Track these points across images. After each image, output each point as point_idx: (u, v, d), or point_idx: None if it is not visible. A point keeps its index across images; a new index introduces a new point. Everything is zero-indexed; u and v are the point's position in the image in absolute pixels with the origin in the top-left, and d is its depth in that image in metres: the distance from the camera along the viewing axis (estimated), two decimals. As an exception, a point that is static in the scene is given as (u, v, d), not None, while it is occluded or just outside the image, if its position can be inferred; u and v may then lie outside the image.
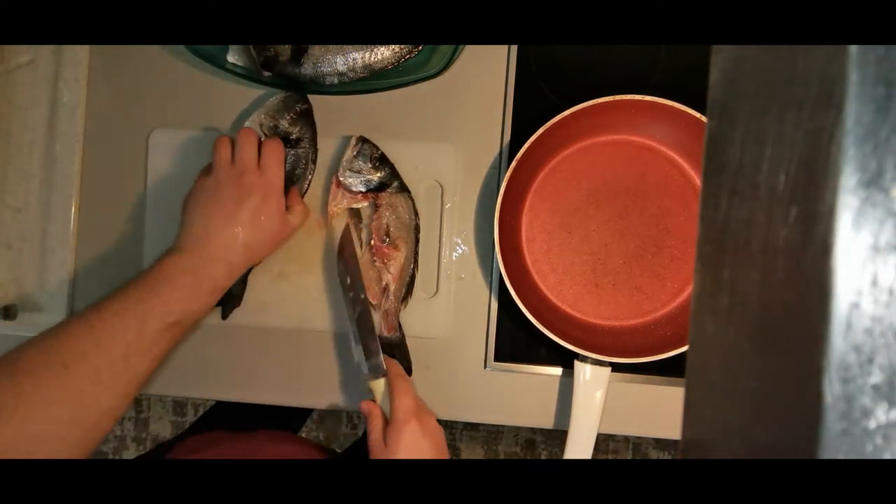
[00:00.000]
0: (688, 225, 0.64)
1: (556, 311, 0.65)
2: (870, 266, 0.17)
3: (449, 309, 0.67)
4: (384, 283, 0.65)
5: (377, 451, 0.57)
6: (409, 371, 0.66)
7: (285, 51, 0.64)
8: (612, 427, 0.65)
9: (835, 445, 0.17)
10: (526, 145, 0.59)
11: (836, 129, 0.17)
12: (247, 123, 0.64)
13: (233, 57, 0.65)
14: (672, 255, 0.65)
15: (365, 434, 0.60)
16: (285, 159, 0.63)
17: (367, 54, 0.64)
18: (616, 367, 0.61)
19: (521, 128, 0.66)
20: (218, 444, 0.69)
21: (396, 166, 0.65)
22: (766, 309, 0.20)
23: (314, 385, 0.68)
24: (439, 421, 0.60)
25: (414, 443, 0.56)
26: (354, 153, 0.64)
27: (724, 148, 0.23)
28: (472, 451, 1.54)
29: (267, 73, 0.64)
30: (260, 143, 0.61)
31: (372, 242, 0.65)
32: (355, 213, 0.66)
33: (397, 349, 0.66)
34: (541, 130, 0.59)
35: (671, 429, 0.66)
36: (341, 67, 0.64)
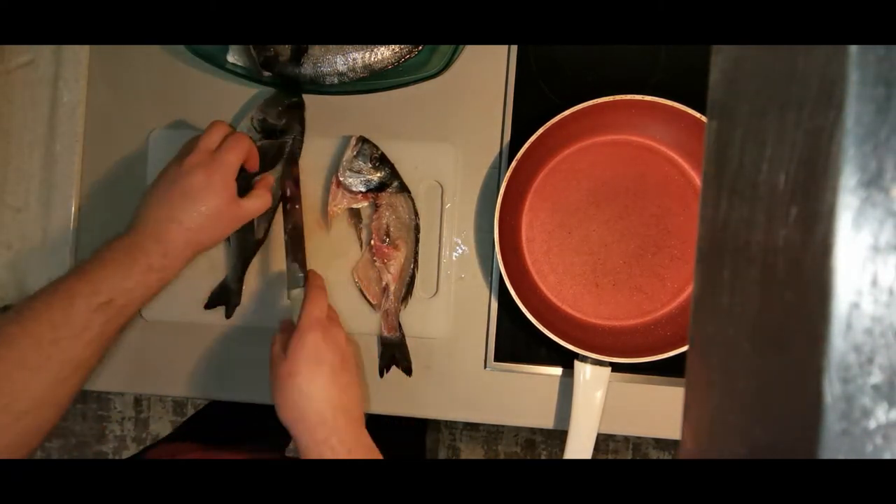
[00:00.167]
0: (688, 225, 0.64)
1: (556, 311, 0.65)
2: (870, 266, 0.17)
3: (449, 309, 0.67)
4: (384, 283, 0.65)
5: (276, 364, 0.54)
6: (408, 371, 0.66)
7: (285, 51, 0.64)
8: (612, 427, 0.65)
9: (835, 445, 0.17)
10: (526, 145, 0.59)
11: (836, 129, 0.17)
12: (242, 123, 0.65)
13: (233, 57, 0.65)
14: (672, 255, 0.65)
15: None
16: (269, 155, 0.63)
17: (367, 54, 0.64)
18: (616, 367, 0.61)
19: (521, 128, 0.66)
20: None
21: (396, 166, 0.65)
22: (766, 309, 0.20)
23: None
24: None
25: (314, 353, 0.52)
26: (354, 153, 0.64)
27: (723, 148, 0.23)
28: (472, 451, 1.54)
29: (267, 73, 0.64)
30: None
31: (372, 242, 0.65)
32: (355, 213, 0.66)
33: (397, 349, 0.66)
34: (541, 130, 0.59)
35: (671, 429, 0.66)
36: (341, 67, 0.64)
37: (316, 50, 0.64)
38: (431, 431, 1.54)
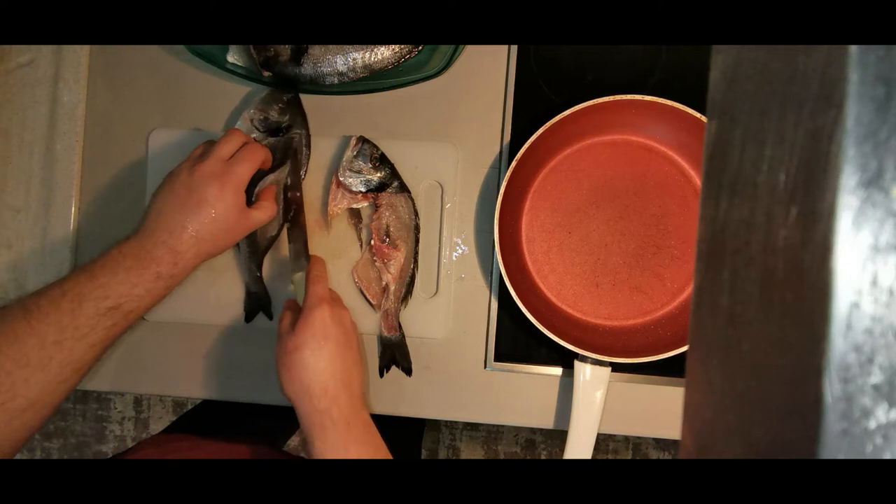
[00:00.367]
0: (688, 225, 0.64)
1: (556, 311, 0.65)
2: (870, 266, 0.17)
3: (449, 309, 0.67)
4: (384, 283, 0.65)
5: (284, 339, 0.55)
6: (408, 371, 0.66)
7: (285, 51, 0.64)
8: (612, 427, 0.65)
9: (835, 445, 0.17)
10: (526, 145, 0.59)
11: (836, 129, 0.17)
12: (238, 123, 0.65)
13: (233, 57, 0.65)
14: (672, 255, 0.65)
15: None
16: (278, 153, 0.63)
17: (367, 54, 0.64)
18: (616, 367, 0.61)
19: (521, 128, 0.66)
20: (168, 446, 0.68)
21: (396, 166, 0.65)
22: (766, 309, 0.20)
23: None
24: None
25: (321, 329, 0.54)
26: (354, 153, 0.64)
27: (724, 148, 0.23)
28: (472, 451, 1.54)
29: (267, 73, 0.64)
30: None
31: (372, 242, 0.65)
32: (355, 213, 0.66)
33: (397, 349, 0.66)
34: (541, 130, 0.59)
35: (671, 429, 0.66)
36: (341, 67, 0.64)
37: (316, 50, 0.64)
38: (431, 431, 1.54)
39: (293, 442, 1.24)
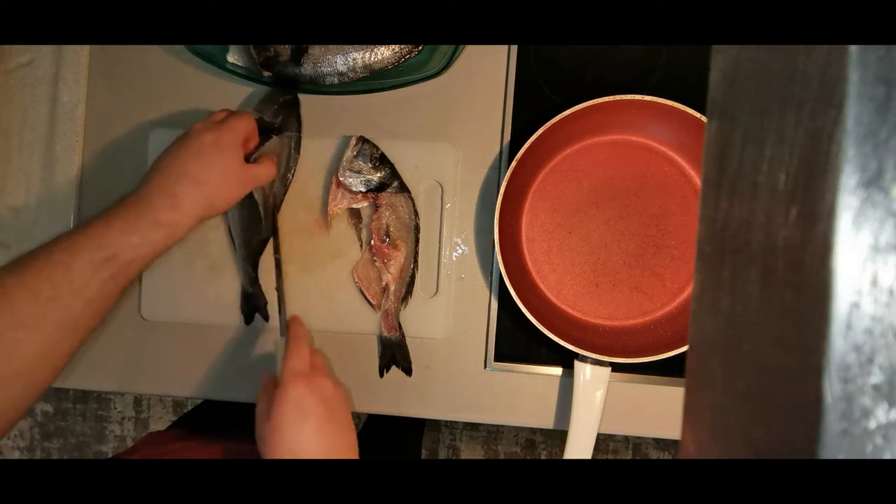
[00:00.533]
0: (688, 225, 0.64)
1: (556, 311, 0.65)
2: (870, 266, 0.17)
3: (449, 309, 0.67)
4: (384, 283, 0.65)
5: (260, 421, 0.52)
6: (408, 371, 0.66)
7: (285, 51, 0.64)
8: (612, 427, 0.65)
9: (835, 445, 0.17)
10: (526, 145, 0.59)
11: (836, 129, 0.17)
12: None
13: (233, 57, 0.65)
14: (672, 255, 0.65)
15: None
16: (275, 149, 0.64)
17: (367, 54, 0.64)
18: (616, 367, 0.61)
19: (521, 128, 0.66)
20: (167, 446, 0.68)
21: (396, 166, 0.65)
22: (766, 309, 0.20)
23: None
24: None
25: (297, 406, 0.50)
26: (354, 153, 0.64)
27: (723, 148, 0.23)
28: (472, 451, 1.54)
29: (267, 73, 0.64)
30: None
31: (372, 242, 0.65)
32: (355, 213, 0.66)
33: (397, 349, 0.66)
34: (541, 130, 0.59)
35: (671, 429, 0.66)
36: (341, 67, 0.64)
37: (316, 50, 0.64)
38: (431, 431, 1.54)
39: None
